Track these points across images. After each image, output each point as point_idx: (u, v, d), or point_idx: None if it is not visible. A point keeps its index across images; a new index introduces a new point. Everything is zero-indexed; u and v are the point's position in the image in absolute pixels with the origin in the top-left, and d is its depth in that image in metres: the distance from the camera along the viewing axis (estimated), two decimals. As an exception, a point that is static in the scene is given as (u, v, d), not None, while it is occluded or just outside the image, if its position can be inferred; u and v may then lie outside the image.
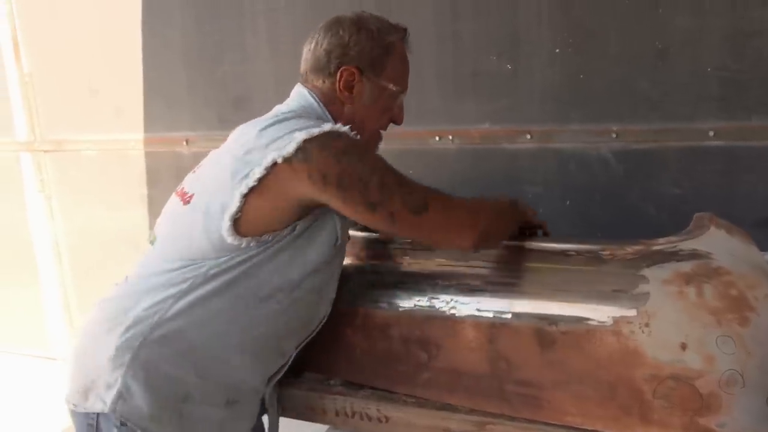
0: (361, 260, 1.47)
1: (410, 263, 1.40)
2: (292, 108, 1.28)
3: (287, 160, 1.13)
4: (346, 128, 1.17)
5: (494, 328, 1.25)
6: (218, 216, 1.19)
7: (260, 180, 1.15)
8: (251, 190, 1.16)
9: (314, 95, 1.29)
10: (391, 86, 1.31)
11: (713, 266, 1.17)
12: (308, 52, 1.31)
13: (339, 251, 1.32)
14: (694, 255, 1.20)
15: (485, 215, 1.23)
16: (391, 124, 1.38)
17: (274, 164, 1.14)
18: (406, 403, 1.33)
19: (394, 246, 1.44)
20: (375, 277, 1.41)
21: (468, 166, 2.12)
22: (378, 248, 1.46)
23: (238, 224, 1.18)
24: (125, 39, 2.52)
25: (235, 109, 2.38)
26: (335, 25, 1.29)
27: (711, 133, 1.82)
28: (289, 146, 1.13)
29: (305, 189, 1.15)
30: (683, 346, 1.11)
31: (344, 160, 1.14)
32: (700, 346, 1.10)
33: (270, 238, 1.21)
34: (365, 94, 1.29)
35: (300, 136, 1.13)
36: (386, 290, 1.38)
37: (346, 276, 1.43)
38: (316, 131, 1.14)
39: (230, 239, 1.18)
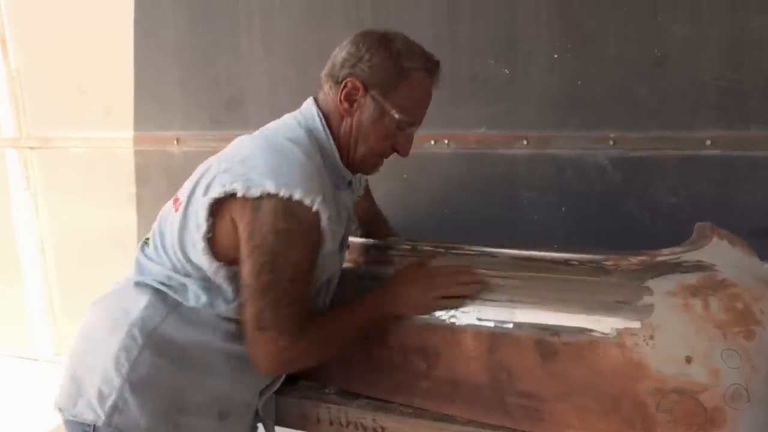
0: (359, 266, 1.45)
1: (410, 270, 1.36)
2: (299, 128, 1.23)
3: (246, 198, 1.12)
4: (316, 205, 1.12)
5: (495, 337, 1.22)
6: (194, 232, 1.18)
7: (218, 201, 1.15)
8: (211, 210, 1.15)
9: (320, 113, 1.25)
10: (394, 112, 1.22)
11: (718, 278, 1.16)
12: (333, 56, 1.27)
13: (329, 282, 1.32)
14: (698, 266, 1.19)
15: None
16: None
17: (234, 194, 1.13)
18: (403, 414, 1.31)
19: (393, 252, 1.42)
20: (373, 283, 1.37)
21: (464, 170, 2.09)
22: (376, 254, 1.44)
23: (212, 244, 1.18)
24: (116, 36, 2.46)
25: (227, 109, 2.34)
26: (361, 36, 1.24)
27: (708, 142, 1.81)
28: (255, 190, 1.11)
29: (239, 228, 1.15)
30: (688, 360, 1.09)
31: (273, 239, 1.12)
32: (706, 360, 1.09)
33: (235, 271, 1.19)
34: (365, 112, 1.23)
35: (268, 188, 1.11)
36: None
37: (343, 282, 1.40)
38: (284, 193, 1.11)
39: (203, 258, 1.18)
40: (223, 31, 2.30)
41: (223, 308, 1.22)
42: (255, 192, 1.11)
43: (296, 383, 1.43)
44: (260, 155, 1.16)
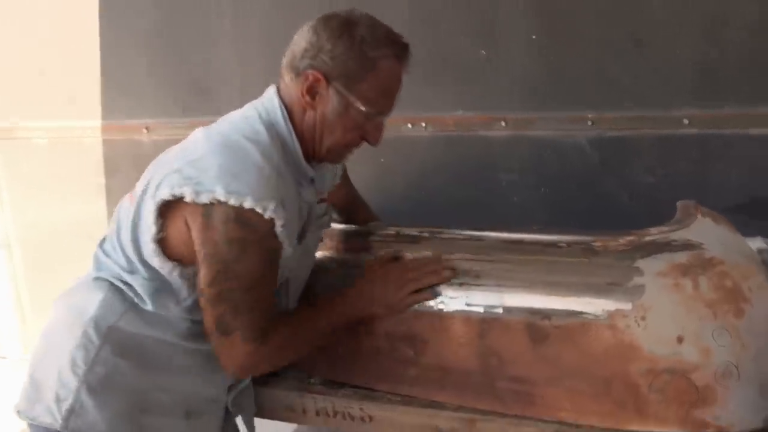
0: (342, 253, 1.42)
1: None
2: (259, 123, 1.16)
3: (196, 204, 1.08)
4: (269, 212, 1.08)
5: (485, 323, 1.21)
6: (145, 233, 1.14)
7: (167, 203, 1.11)
8: (160, 211, 1.12)
9: (282, 105, 1.18)
10: (359, 105, 1.15)
11: (707, 257, 1.15)
12: (292, 44, 1.19)
13: (288, 281, 1.29)
14: (687, 245, 1.18)
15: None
16: None
17: (183, 197, 1.09)
18: (391, 401, 1.29)
19: (375, 238, 1.39)
20: (357, 270, 1.34)
21: (441, 153, 2.07)
22: (359, 240, 1.41)
23: (165, 245, 1.14)
24: (79, 19, 2.37)
25: (198, 96, 2.27)
26: (322, 22, 1.16)
27: (685, 121, 1.81)
28: (204, 196, 1.07)
29: (192, 233, 1.11)
30: (680, 339, 1.09)
31: (226, 248, 1.09)
32: (697, 339, 1.09)
33: (191, 273, 1.16)
34: (329, 105, 1.16)
35: (218, 194, 1.06)
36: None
37: (326, 270, 1.38)
38: (234, 201, 1.06)
39: (155, 260, 1.14)
40: (192, 15, 2.22)
41: (174, 311, 1.18)
42: (204, 198, 1.07)
43: (280, 374, 1.40)
44: (213, 157, 1.10)
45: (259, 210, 1.07)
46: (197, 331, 1.19)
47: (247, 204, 1.06)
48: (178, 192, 1.08)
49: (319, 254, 1.41)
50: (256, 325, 1.12)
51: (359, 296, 1.26)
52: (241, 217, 1.07)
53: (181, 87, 2.30)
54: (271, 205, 1.08)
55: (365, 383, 1.33)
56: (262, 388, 1.37)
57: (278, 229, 1.10)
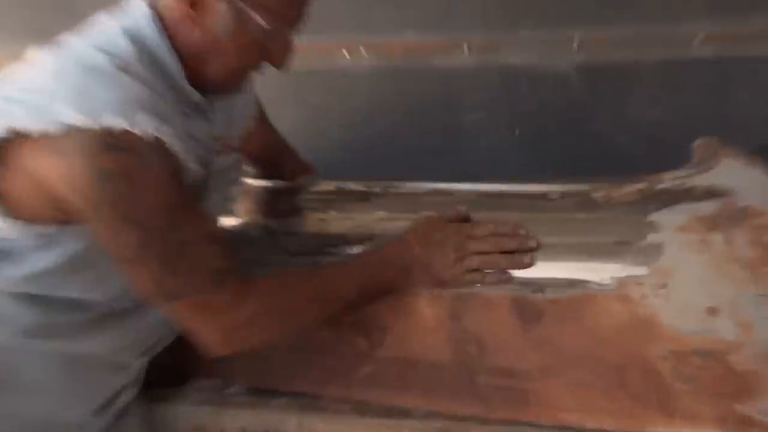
0: (267, 217, 1.39)
1: (338, 219, 1.32)
2: (121, 36, 1.08)
3: (42, 137, 0.99)
4: (139, 125, 1.00)
5: (459, 300, 1.18)
6: None
7: (2, 143, 1.02)
8: None
9: (155, 16, 1.11)
10: (256, 16, 1.09)
11: (740, 206, 1.14)
12: None
13: None
14: (712, 193, 1.18)
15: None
16: None
17: (25, 132, 1.00)
18: (340, 411, 1.25)
19: (313, 198, 1.38)
20: (289, 239, 1.32)
21: (387, 89, 2.07)
22: (289, 200, 1.39)
23: (3, 199, 1.05)
24: None
25: (57, 14, 2.15)
26: None
27: (698, 40, 1.82)
28: (53, 124, 0.98)
29: (51, 180, 1.02)
30: (711, 311, 1.07)
31: (100, 187, 1.00)
32: (733, 310, 1.07)
33: (52, 232, 1.07)
34: (218, 18, 1.09)
35: (68, 118, 0.98)
36: (306, 257, 1.30)
37: (247, 240, 1.35)
38: (93, 123, 0.98)
39: None
40: None
41: (16, 285, 1.10)
42: (51, 128, 0.98)
43: (186, 383, 1.34)
44: (57, 77, 1.02)
45: (126, 126, 0.99)
46: (49, 325, 1.11)
47: (108, 122, 0.98)
48: (17, 125, 0.99)
49: (235, 222, 1.38)
50: (212, 272, 1.06)
51: (403, 258, 1.19)
52: (106, 141, 0.99)
53: (34, 4, 2.21)
54: (140, 117, 1.00)
55: (305, 389, 1.29)
56: (158, 404, 1.30)
57: (166, 140, 1.03)
